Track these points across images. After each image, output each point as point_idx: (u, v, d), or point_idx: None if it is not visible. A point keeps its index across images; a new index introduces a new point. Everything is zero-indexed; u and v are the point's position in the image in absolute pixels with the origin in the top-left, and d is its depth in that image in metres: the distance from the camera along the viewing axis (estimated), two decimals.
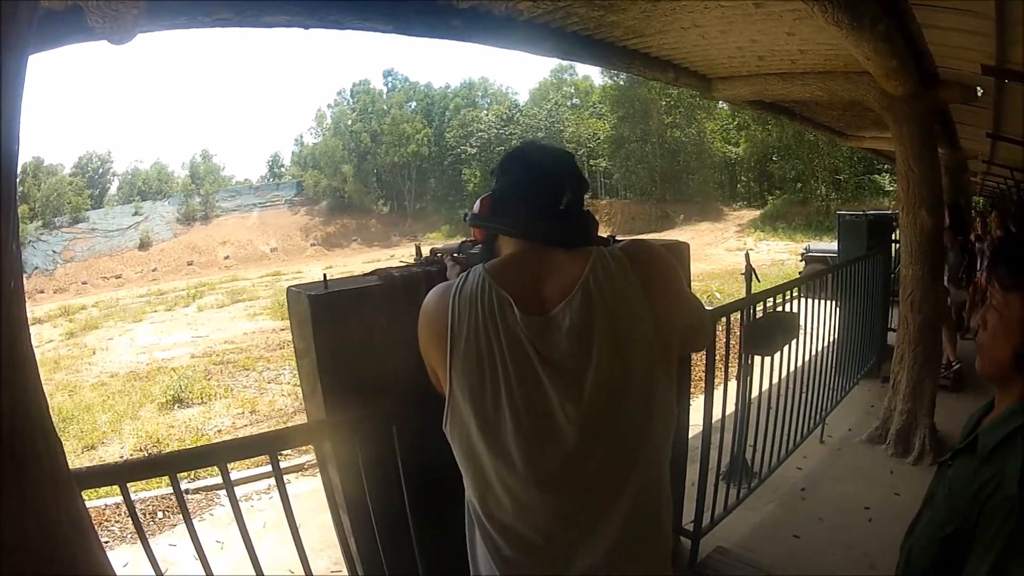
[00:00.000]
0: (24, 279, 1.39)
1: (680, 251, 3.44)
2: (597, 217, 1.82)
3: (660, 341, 1.56)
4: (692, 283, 3.60)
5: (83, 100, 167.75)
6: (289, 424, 11.79)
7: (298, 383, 2.54)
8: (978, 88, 5.75)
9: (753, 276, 5.23)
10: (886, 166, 36.66)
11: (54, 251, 66.40)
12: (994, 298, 1.64)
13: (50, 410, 1.48)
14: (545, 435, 1.50)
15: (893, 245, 8.48)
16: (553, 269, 1.61)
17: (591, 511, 1.53)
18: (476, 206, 1.85)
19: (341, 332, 2.32)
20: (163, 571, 2.26)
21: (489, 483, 1.56)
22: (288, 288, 2.44)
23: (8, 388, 1.29)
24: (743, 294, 4.91)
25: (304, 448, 7.31)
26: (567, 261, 1.61)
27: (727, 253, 39.29)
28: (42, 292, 56.33)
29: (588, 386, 1.49)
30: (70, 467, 1.55)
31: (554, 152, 1.81)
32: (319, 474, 2.53)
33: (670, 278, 1.67)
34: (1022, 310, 1.56)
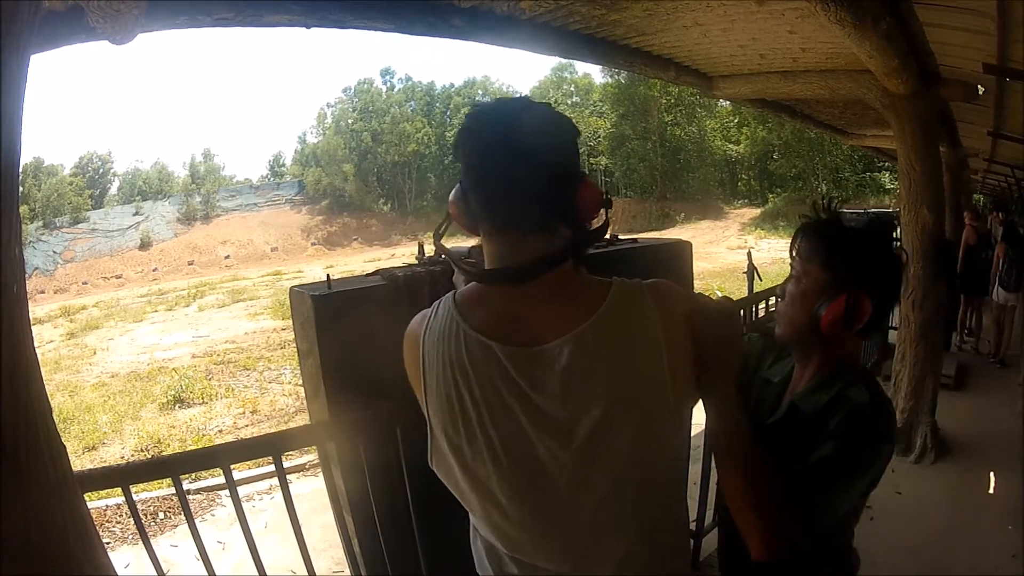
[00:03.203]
0: (25, 280, 1.39)
1: (683, 250, 3.44)
2: (607, 217, 1.47)
3: (680, 396, 1.35)
4: (694, 282, 3.60)
5: (84, 100, 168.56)
6: (290, 424, 11.80)
7: (299, 383, 2.52)
8: (979, 86, 5.74)
9: (755, 275, 5.23)
10: (887, 164, 36.69)
11: (54, 251, 66.50)
12: (794, 268, 1.82)
13: (53, 413, 1.47)
14: (531, 481, 1.34)
15: (894, 243, 8.48)
16: (553, 295, 1.35)
17: (586, 559, 1.39)
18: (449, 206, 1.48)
19: (345, 333, 2.32)
20: (165, 572, 2.25)
21: (482, 518, 1.44)
22: (291, 288, 2.44)
23: (11, 392, 1.29)
24: (745, 292, 4.91)
25: (306, 448, 7.29)
26: (574, 288, 1.37)
27: (728, 251, 39.33)
28: (42, 292, 56.39)
29: (581, 434, 1.30)
30: (73, 470, 1.55)
31: (534, 118, 1.34)
32: (321, 474, 2.53)
33: (702, 325, 1.41)
34: (818, 280, 1.73)
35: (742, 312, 4.35)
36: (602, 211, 1.43)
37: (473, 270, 1.40)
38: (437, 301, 1.45)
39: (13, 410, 1.30)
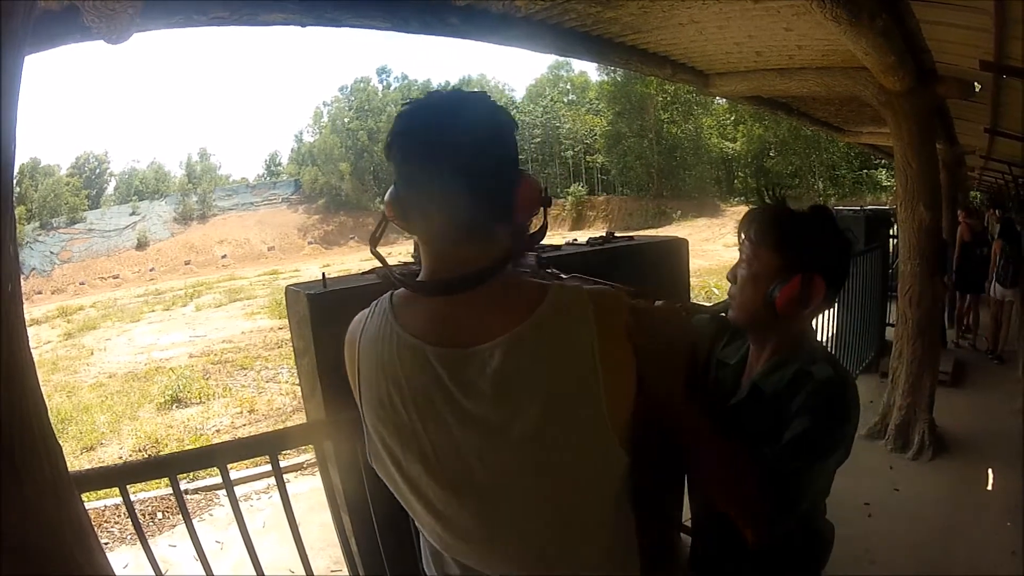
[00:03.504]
0: (21, 280, 1.38)
1: (679, 247, 3.44)
2: (546, 217, 1.40)
3: (615, 407, 1.29)
4: (691, 279, 3.59)
5: (80, 100, 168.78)
6: (288, 423, 11.81)
7: (296, 382, 2.51)
8: (976, 84, 5.74)
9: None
10: (883, 161, 36.75)
11: (51, 252, 66.58)
12: (744, 252, 1.84)
13: (49, 413, 1.47)
14: (462, 484, 1.30)
15: (891, 240, 8.49)
16: (488, 298, 1.29)
17: (517, 562, 1.36)
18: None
19: (341, 331, 2.31)
20: (163, 572, 2.25)
21: (419, 520, 1.42)
22: (287, 287, 2.43)
23: (7, 392, 1.29)
24: None
25: (303, 447, 7.30)
26: (511, 291, 1.32)
27: (724, 249, 39.33)
28: (39, 293, 56.44)
29: (512, 438, 1.25)
30: (69, 470, 1.54)
31: (465, 114, 1.27)
32: (318, 473, 2.52)
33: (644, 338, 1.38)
34: (768, 263, 1.76)
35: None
36: (541, 210, 1.37)
37: (407, 281, 1.35)
38: (375, 301, 1.42)
39: (8, 410, 1.29)
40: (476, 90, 1.35)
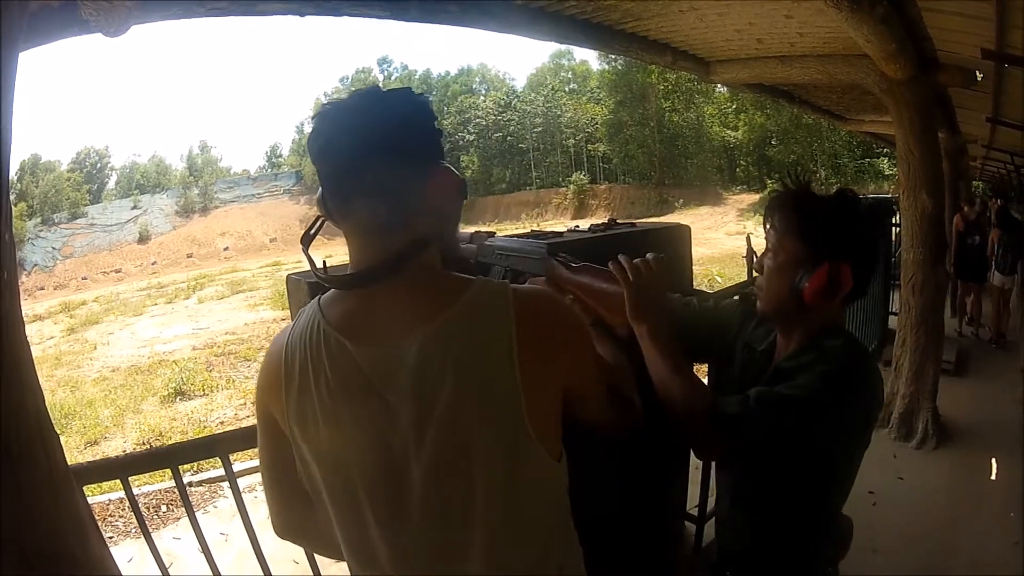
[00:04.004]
0: (24, 275, 1.37)
1: (681, 234, 3.43)
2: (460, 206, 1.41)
3: (536, 407, 1.27)
4: (693, 267, 3.58)
5: (79, 95, 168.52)
6: None
7: None
8: (978, 72, 5.72)
9: (754, 259, 5.22)
10: (885, 150, 36.69)
11: (53, 247, 66.66)
12: (769, 242, 1.81)
13: (47, 404, 1.46)
14: (387, 482, 1.27)
15: (893, 229, 8.48)
16: (408, 292, 1.29)
17: (434, 566, 1.30)
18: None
19: None
20: (168, 565, 2.25)
21: (339, 523, 1.35)
22: (288, 276, 2.41)
23: (4, 383, 1.28)
24: (744, 278, 4.90)
25: None
26: (432, 285, 1.31)
27: (727, 237, 39.34)
28: (42, 289, 56.38)
29: (430, 436, 1.23)
30: (68, 463, 1.53)
31: (377, 109, 1.29)
32: None
33: (571, 340, 1.36)
34: (794, 252, 1.72)
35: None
36: (459, 200, 1.38)
37: (320, 275, 1.33)
38: (303, 308, 1.40)
39: (5, 403, 1.28)
40: (400, 87, 1.36)
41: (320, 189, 1.34)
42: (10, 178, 1.42)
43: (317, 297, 1.36)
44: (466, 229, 1.95)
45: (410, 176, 1.28)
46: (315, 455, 1.31)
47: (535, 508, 1.34)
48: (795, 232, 1.73)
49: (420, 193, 1.29)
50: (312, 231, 1.43)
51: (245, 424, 11.70)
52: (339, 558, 1.45)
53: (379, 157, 1.25)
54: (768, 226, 1.81)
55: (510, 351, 1.23)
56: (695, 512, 4.02)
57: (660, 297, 1.78)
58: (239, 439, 2.33)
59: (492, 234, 1.92)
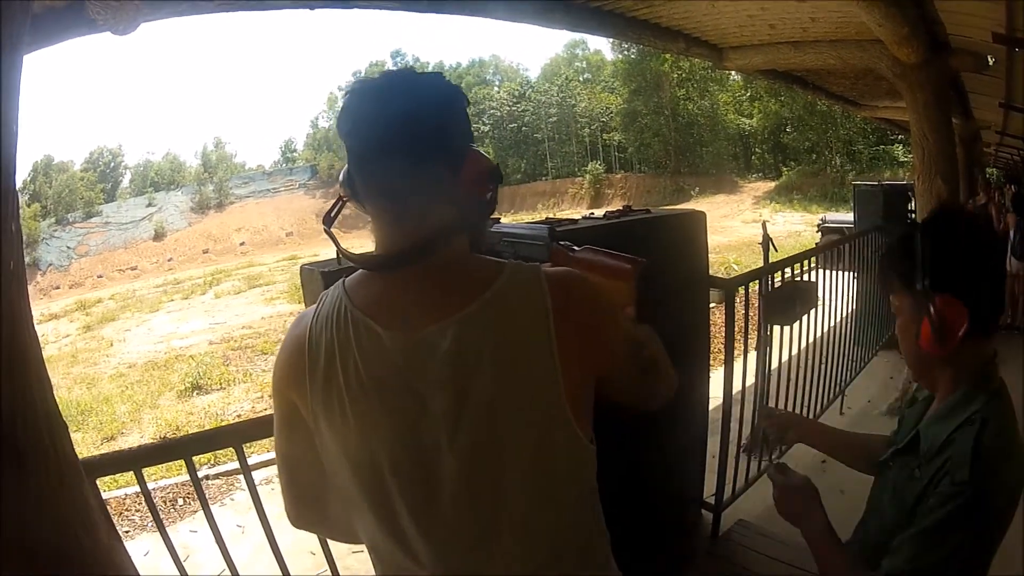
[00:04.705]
0: (38, 275, 1.36)
1: (696, 220, 3.40)
2: (495, 191, 1.37)
3: (572, 390, 1.25)
4: (708, 255, 3.56)
5: (92, 95, 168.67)
6: None
7: None
8: (990, 57, 5.68)
9: (770, 245, 5.19)
10: (900, 137, 36.47)
11: (68, 247, 67.08)
12: (893, 305, 1.68)
13: (60, 400, 1.45)
14: (417, 472, 1.25)
15: (910, 215, 8.43)
16: (439, 277, 1.28)
17: (469, 555, 1.28)
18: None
19: None
20: (184, 558, 2.24)
21: (364, 514, 1.32)
22: (302, 266, 2.40)
23: (8, 373, 1.27)
24: (760, 265, 4.87)
25: None
26: (463, 269, 1.30)
27: (743, 225, 39.21)
28: (57, 288, 56.79)
29: (465, 423, 1.21)
30: (78, 455, 1.52)
31: (411, 91, 1.28)
32: None
33: (605, 321, 1.34)
34: (908, 306, 1.60)
35: (760, 282, 4.33)
36: (491, 185, 1.35)
37: (352, 256, 1.33)
38: (324, 292, 1.37)
39: (10, 393, 1.27)
40: (431, 71, 1.35)
41: (345, 169, 1.33)
42: (21, 176, 1.42)
43: (341, 280, 1.34)
44: None
45: (443, 159, 1.27)
46: (341, 443, 1.29)
47: (568, 492, 1.33)
48: (898, 286, 1.63)
49: (453, 177, 1.27)
50: (333, 212, 1.42)
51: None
52: (355, 542, 1.44)
53: (414, 138, 1.23)
54: (887, 285, 1.71)
55: (548, 336, 1.22)
56: (711, 501, 4.01)
57: (802, 501, 1.76)
58: (253, 429, 2.32)
59: (497, 220, 1.89)
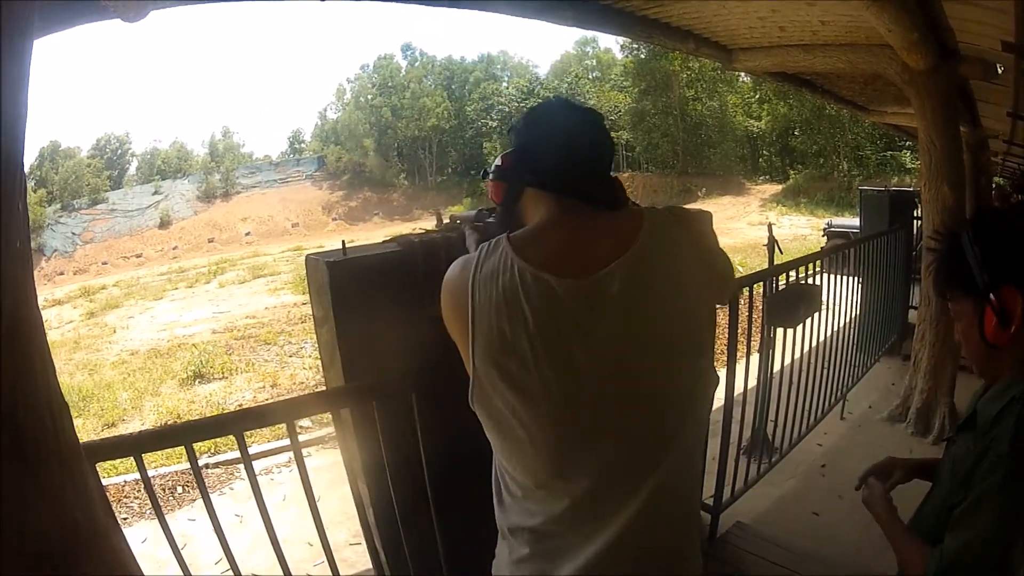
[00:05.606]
0: (43, 261, 1.36)
1: (704, 218, 3.41)
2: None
3: (711, 326, 1.49)
4: None
5: (99, 82, 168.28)
6: None
7: (319, 356, 2.51)
8: (999, 65, 5.67)
9: (776, 248, 5.18)
10: (908, 143, 36.42)
11: (73, 233, 67.03)
12: (952, 311, 1.77)
13: (58, 377, 1.44)
14: (584, 416, 1.36)
15: (915, 222, 8.43)
16: (599, 228, 1.45)
17: (619, 494, 1.38)
18: (497, 160, 1.63)
19: (360, 299, 2.28)
20: (182, 546, 2.25)
21: (519, 460, 1.43)
22: (307, 256, 2.40)
23: (10, 354, 1.26)
24: (765, 267, 4.87)
25: (324, 421, 7.41)
26: (616, 220, 1.47)
27: (749, 227, 39.10)
28: (62, 274, 56.81)
29: (633, 358, 1.35)
30: (79, 439, 1.51)
31: (584, 108, 1.59)
32: (339, 447, 2.50)
33: (714, 243, 1.56)
34: (968, 309, 1.68)
35: (764, 284, 4.34)
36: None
37: (489, 226, 1.59)
38: (483, 244, 1.48)
39: (11, 374, 1.27)
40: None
41: (513, 152, 1.61)
42: (27, 162, 1.42)
43: (503, 236, 1.47)
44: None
45: (610, 161, 1.60)
46: (508, 386, 1.38)
47: (706, 414, 1.56)
48: (957, 291, 1.71)
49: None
50: (514, 195, 1.64)
51: None
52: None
53: (610, 146, 1.60)
54: (939, 296, 1.84)
55: (691, 270, 1.43)
56: (710, 502, 4.01)
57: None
58: (254, 417, 2.32)
59: (493, 210, 2.02)
